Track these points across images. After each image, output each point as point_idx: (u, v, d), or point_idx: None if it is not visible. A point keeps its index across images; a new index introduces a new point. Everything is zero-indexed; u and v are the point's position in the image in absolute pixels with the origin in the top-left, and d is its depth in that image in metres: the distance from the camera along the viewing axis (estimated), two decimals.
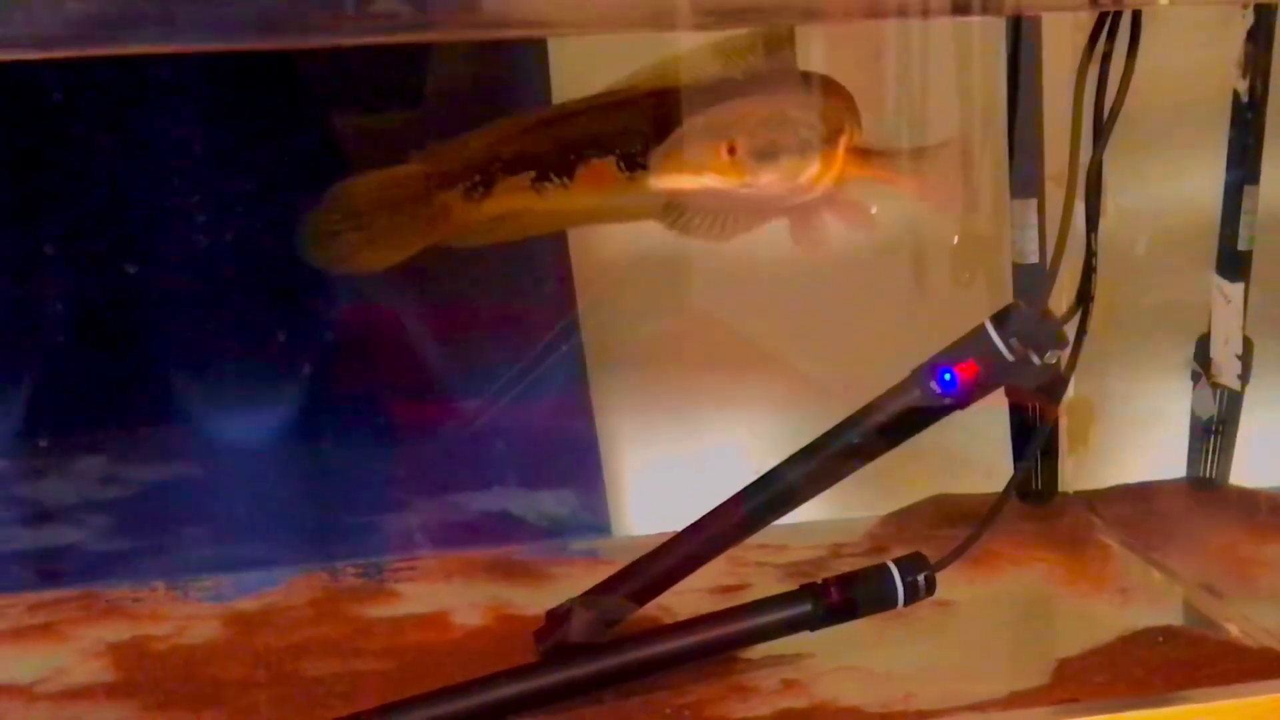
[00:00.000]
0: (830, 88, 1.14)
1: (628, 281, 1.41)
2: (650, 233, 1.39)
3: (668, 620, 1.12)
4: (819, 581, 1.05)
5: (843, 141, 1.11)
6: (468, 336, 1.44)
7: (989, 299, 1.42)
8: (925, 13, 1.22)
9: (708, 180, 1.06)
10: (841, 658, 1.08)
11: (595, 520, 1.43)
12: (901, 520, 1.32)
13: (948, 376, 1.04)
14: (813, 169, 1.10)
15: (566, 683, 1.02)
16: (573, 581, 1.22)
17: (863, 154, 1.13)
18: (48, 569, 1.32)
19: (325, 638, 1.15)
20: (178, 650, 1.13)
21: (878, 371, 1.35)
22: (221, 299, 1.41)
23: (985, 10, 1.26)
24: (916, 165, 1.19)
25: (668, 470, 1.45)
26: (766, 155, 1.07)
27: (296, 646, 1.13)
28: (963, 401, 1.05)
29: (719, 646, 1.04)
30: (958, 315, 1.37)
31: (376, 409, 1.44)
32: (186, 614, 1.19)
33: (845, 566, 1.19)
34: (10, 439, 1.37)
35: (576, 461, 1.43)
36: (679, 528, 1.26)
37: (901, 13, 1.24)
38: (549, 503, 1.43)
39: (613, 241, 1.42)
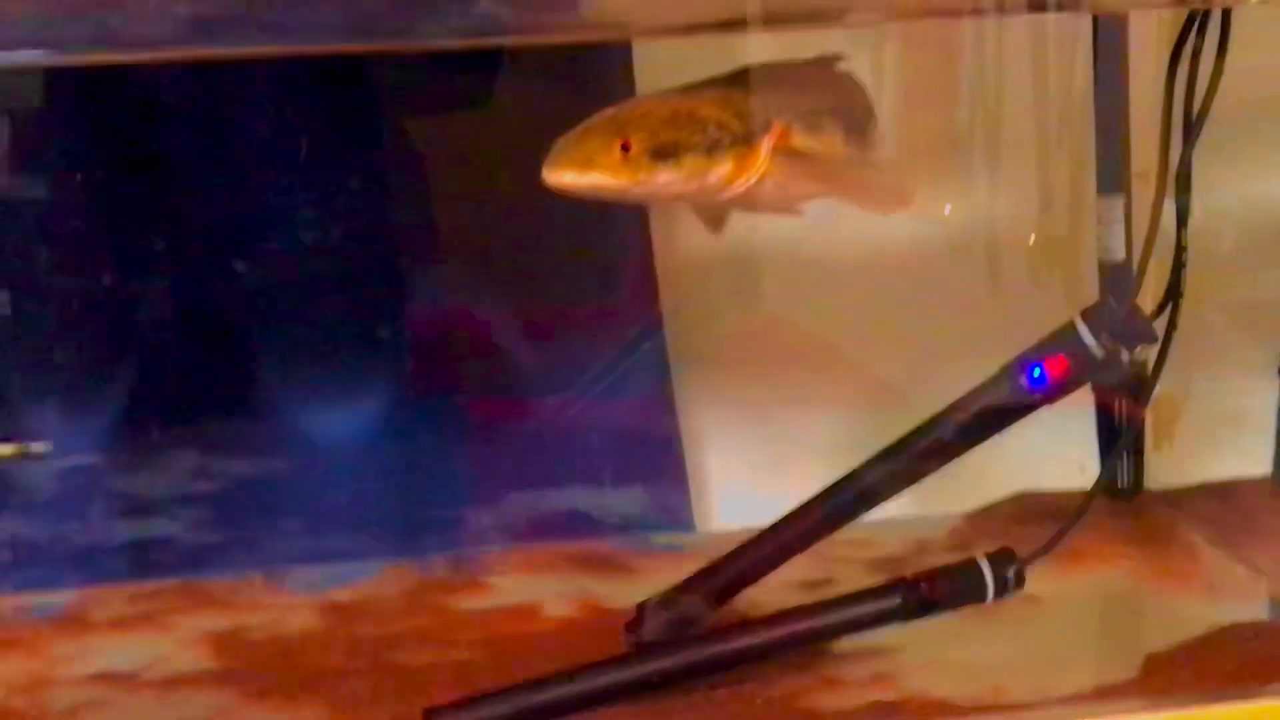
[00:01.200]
0: (773, 80, 1.09)
1: (711, 278, 1.43)
2: (733, 229, 1.41)
3: (754, 614, 1.14)
4: (909, 575, 1.06)
5: (767, 141, 1.06)
6: (554, 334, 1.45)
7: (1074, 296, 1.43)
8: (1001, 10, 1.23)
9: (596, 179, 1.01)
10: (929, 651, 1.09)
11: (678, 517, 1.44)
12: (985, 517, 1.33)
13: (1037, 372, 1.05)
14: (722, 169, 1.04)
15: (658, 674, 1.04)
16: (659, 575, 1.23)
17: (794, 155, 1.07)
18: (144, 560, 1.35)
19: (419, 628, 1.17)
20: (275, 640, 1.15)
21: (956, 370, 1.36)
22: (316, 296, 1.44)
23: (1063, 8, 1.27)
24: (863, 168, 1.14)
25: (749, 467, 1.46)
26: (665, 155, 1.02)
27: (391, 636, 1.15)
28: (1051, 397, 1.06)
29: (809, 639, 1.05)
30: (1036, 314, 1.39)
31: (463, 406, 1.46)
32: (283, 604, 1.21)
33: (929, 562, 1.20)
34: (106, 433, 1.40)
35: (660, 458, 1.44)
36: (760, 524, 1.29)
37: (977, 11, 1.26)
38: (631, 499, 1.44)
39: (696, 238, 1.43)
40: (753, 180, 1.05)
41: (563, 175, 1.01)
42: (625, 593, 1.21)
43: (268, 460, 1.46)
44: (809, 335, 1.44)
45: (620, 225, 1.43)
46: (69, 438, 1.41)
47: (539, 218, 1.36)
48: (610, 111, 1.04)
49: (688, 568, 1.17)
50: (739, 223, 1.39)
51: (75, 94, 1.36)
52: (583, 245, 1.44)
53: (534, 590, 1.23)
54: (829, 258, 1.44)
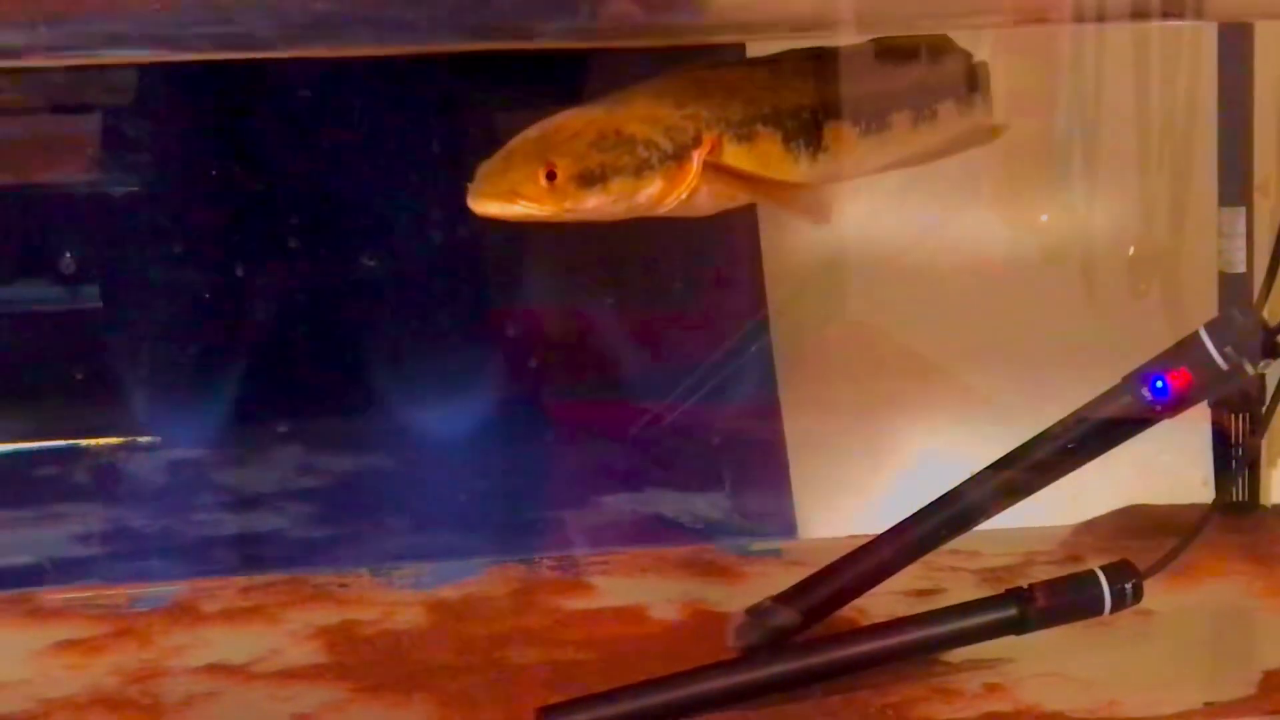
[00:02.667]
0: (704, 89, 1.05)
1: (818, 282, 1.42)
2: (842, 231, 1.41)
3: (863, 622, 1.13)
4: (1025, 586, 1.05)
5: (697, 156, 1.02)
6: (660, 336, 1.46)
7: (1175, 309, 1.42)
8: (1117, 17, 1.22)
9: (522, 209, 0.98)
10: (1042, 663, 1.08)
11: (780, 522, 1.44)
12: (1095, 529, 1.31)
13: (1160, 384, 1.04)
14: (652, 189, 1.00)
15: (770, 679, 1.03)
16: (765, 581, 1.23)
17: (725, 168, 1.03)
18: (251, 553, 1.36)
19: (526, 627, 1.17)
20: (385, 635, 1.16)
21: (1056, 382, 1.35)
22: (425, 295, 1.45)
23: (1183, 16, 1.26)
24: (788, 186, 1.08)
25: (851, 474, 1.45)
26: (592, 180, 0.98)
27: (500, 635, 1.15)
28: (1173, 410, 1.05)
29: (923, 648, 1.05)
30: (1137, 326, 1.38)
31: (569, 407, 1.47)
32: (391, 600, 1.21)
33: (1039, 573, 1.19)
34: (213, 427, 1.42)
35: (764, 463, 1.44)
36: (861, 532, 1.28)
37: (1079, 18, 1.24)
38: (734, 504, 1.44)
39: (805, 239, 1.43)
40: (683, 196, 1.02)
41: (487, 205, 0.98)
42: (732, 597, 1.21)
43: (371, 458, 1.47)
44: (914, 340, 1.43)
45: (729, 226, 1.43)
46: (176, 431, 1.43)
47: (647, 219, 1.36)
48: (535, 132, 1.00)
49: (794, 573, 1.16)
50: (846, 226, 1.39)
51: (189, 88, 1.38)
52: (691, 247, 1.44)
53: (639, 593, 1.23)
54: (933, 264, 1.43)
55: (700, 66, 1.07)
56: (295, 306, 1.43)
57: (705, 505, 1.45)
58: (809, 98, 1.08)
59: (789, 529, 1.44)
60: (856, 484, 1.43)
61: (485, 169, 0.99)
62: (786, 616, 1.10)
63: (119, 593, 1.23)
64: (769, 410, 1.43)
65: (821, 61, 1.11)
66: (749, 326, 1.44)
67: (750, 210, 1.39)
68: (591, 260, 1.44)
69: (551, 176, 0.97)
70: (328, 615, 1.19)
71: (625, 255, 1.44)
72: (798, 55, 1.10)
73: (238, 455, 1.46)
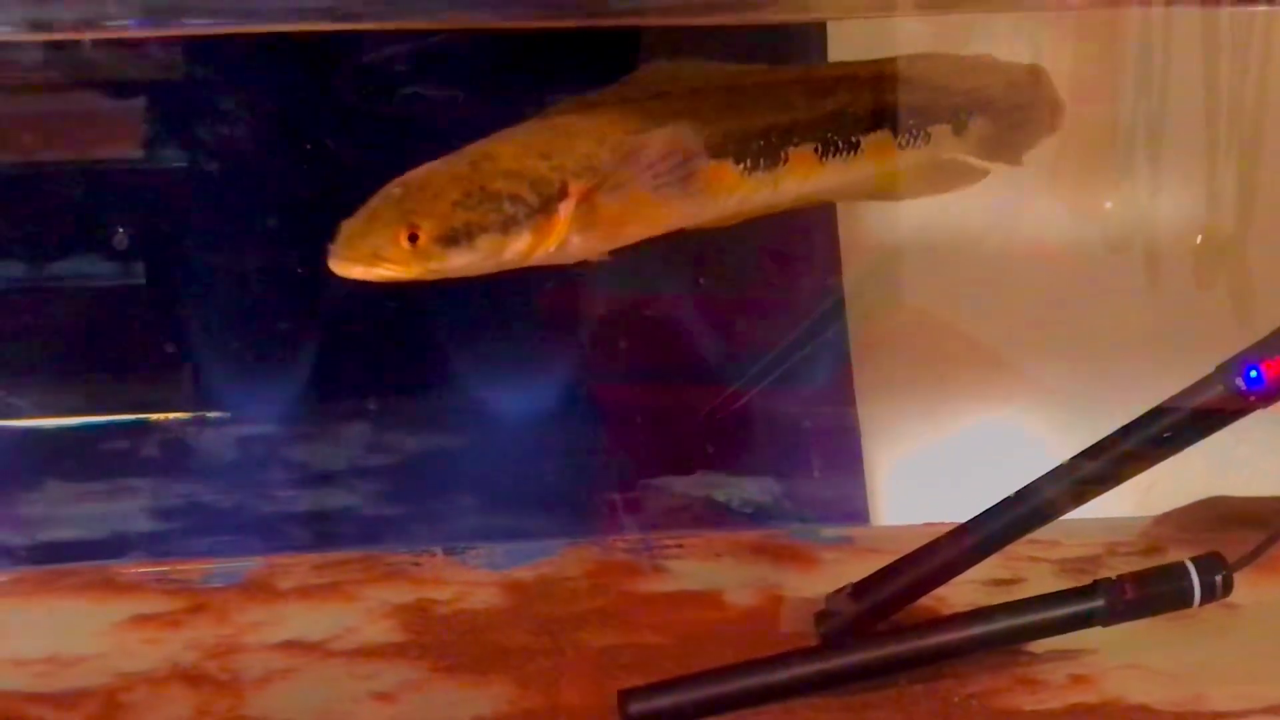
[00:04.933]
0: (571, 135, 1.02)
1: (894, 267, 1.41)
2: (919, 215, 1.39)
3: (942, 610, 1.12)
4: (1113, 578, 1.04)
5: (565, 207, 1.00)
6: (734, 318, 1.44)
7: (1245, 298, 1.39)
8: (1170, 1, 1.20)
9: (385, 272, 0.96)
10: (1126, 655, 1.07)
11: (852, 509, 1.43)
12: (1177, 521, 1.29)
13: (1254, 374, 1.02)
14: (519, 244, 0.99)
15: (852, 667, 1.02)
16: (840, 567, 1.22)
17: (595, 215, 1.01)
18: (325, 530, 1.36)
19: (603, 609, 1.16)
20: (461, 615, 1.15)
21: (1129, 372, 1.33)
22: (496, 277, 1.44)
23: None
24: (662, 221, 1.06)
25: (926, 460, 1.44)
26: (456, 240, 0.97)
27: (576, 617, 1.15)
28: (1267, 399, 1.03)
29: (1008, 638, 1.03)
30: (1206, 316, 1.36)
31: (638, 389, 1.46)
32: (465, 579, 1.21)
33: (1120, 565, 1.18)
34: (282, 403, 1.41)
35: (837, 448, 1.43)
36: (936, 519, 1.27)
37: (1146, 1, 1.22)
38: (806, 488, 1.43)
39: (882, 224, 1.41)
40: (552, 249, 1.01)
41: (350, 268, 0.96)
42: (808, 583, 1.20)
43: (440, 436, 1.46)
44: (988, 326, 1.42)
45: (805, 210, 1.42)
46: (246, 406, 1.42)
47: None
48: (397, 190, 0.98)
49: (868, 560, 1.16)
50: (922, 211, 1.37)
51: (267, 64, 1.37)
52: (766, 229, 1.42)
53: (714, 577, 1.22)
54: (1000, 250, 1.42)
55: (573, 106, 1.05)
56: (363, 285, 1.43)
57: (756, 489, 1.44)
58: (683, 137, 1.04)
59: (860, 515, 1.42)
60: (930, 471, 1.42)
61: (347, 229, 0.97)
62: (867, 604, 1.09)
63: (193, 568, 1.23)
64: (842, 395, 1.42)
65: (705, 95, 1.07)
66: (823, 310, 1.42)
67: None
68: (663, 241, 1.43)
69: (414, 239, 0.95)
70: (402, 593, 1.18)
71: (699, 237, 1.43)
72: (683, 90, 1.07)
73: (306, 432, 1.45)
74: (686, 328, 1.44)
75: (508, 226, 0.98)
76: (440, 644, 1.10)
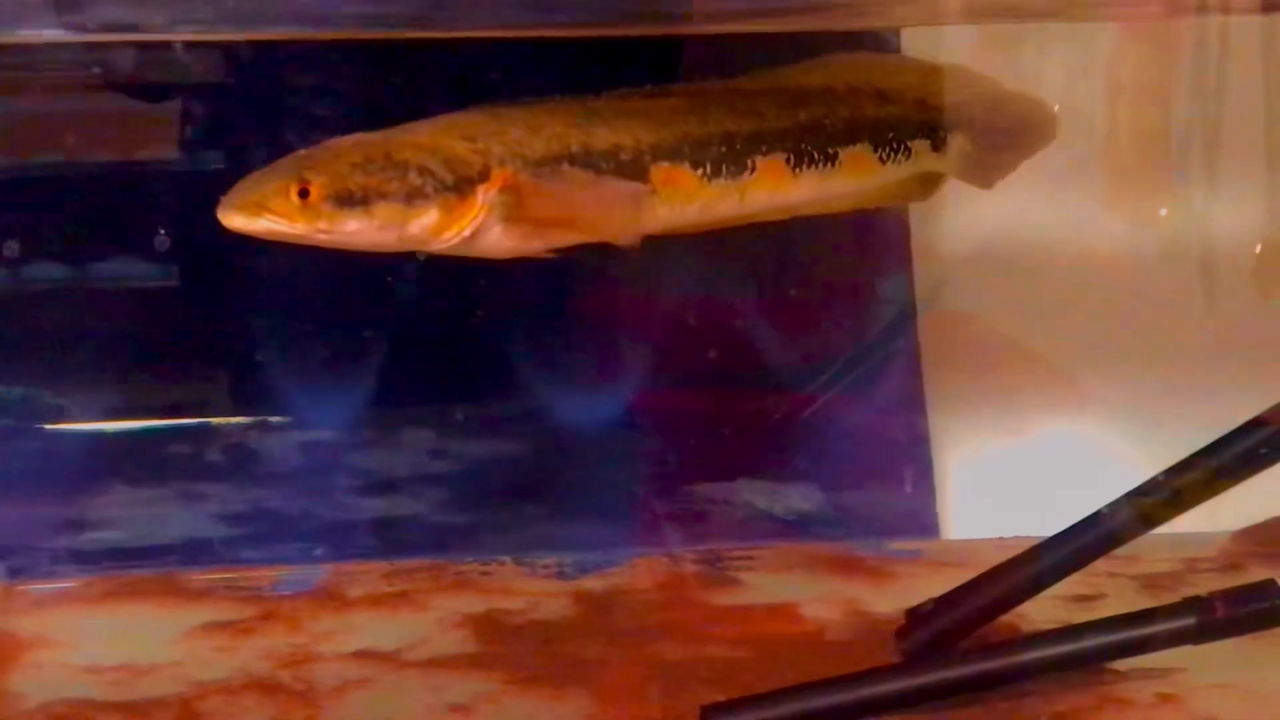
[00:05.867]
0: (502, 123, 0.99)
1: (968, 274, 1.39)
2: (992, 221, 1.37)
3: (1022, 626, 1.10)
4: (1203, 595, 1.02)
5: (483, 191, 0.96)
6: (804, 325, 1.43)
7: None
8: (1226, 9, 1.18)
9: (268, 224, 0.93)
10: (1214, 673, 1.05)
11: (922, 521, 1.41)
12: (1256, 536, 1.27)
13: None
14: (426, 220, 0.95)
15: (937, 685, 1.00)
16: (915, 582, 1.21)
17: (518, 205, 0.98)
18: (391, 538, 1.35)
19: (676, 621, 1.15)
20: (533, 625, 1.14)
21: (1193, 385, 1.31)
22: (558, 282, 1.43)
23: None
24: (596, 208, 1.01)
25: (996, 472, 1.42)
26: (351, 201, 0.93)
27: (649, 629, 1.13)
28: None
29: (1097, 656, 1.02)
30: (1267, 328, 1.34)
31: (707, 397, 1.44)
32: (536, 589, 1.20)
33: (1201, 581, 1.16)
34: (344, 408, 1.40)
35: (907, 459, 1.41)
36: (1005, 532, 1.25)
37: (1203, 9, 1.20)
38: (876, 500, 1.41)
39: (955, 229, 1.39)
40: (467, 232, 0.97)
41: (232, 217, 0.93)
42: (882, 597, 1.18)
43: (504, 444, 1.45)
44: (1061, 336, 1.40)
45: (876, 214, 1.40)
46: (306, 411, 1.41)
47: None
48: (305, 151, 0.96)
49: (942, 575, 1.14)
50: (995, 216, 1.36)
51: (333, 68, 1.36)
52: (836, 234, 1.41)
53: (788, 590, 1.20)
54: (1077, 258, 1.40)
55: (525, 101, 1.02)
56: (424, 291, 1.41)
57: (821, 500, 1.42)
58: (631, 136, 1.01)
59: (929, 528, 1.40)
60: (1001, 483, 1.40)
61: (242, 181, 0.95)
62: (949, 620, 1.07)
63: (261, 574, 1.22)
64: (913, 405, 1.40)
65: (664, 97, 1.05)
66: (894, 318, 1.41)
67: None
68: (734, 247, 1.41)
69: (305, 194, 0.93)
70: (473, 603, 1.17)
71: (768, 241, 1.41)
72: (645, 91, 1.04)
73: (367, 438, 1.44)
74: (751, 332, 1.42)
75: (412, 198, 0.95)
76: (514, 655, 1.09)
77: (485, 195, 0.96)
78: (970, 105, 1.13)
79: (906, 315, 1.41)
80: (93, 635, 1.11)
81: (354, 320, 1.41)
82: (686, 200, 1.03)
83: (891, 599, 1.17)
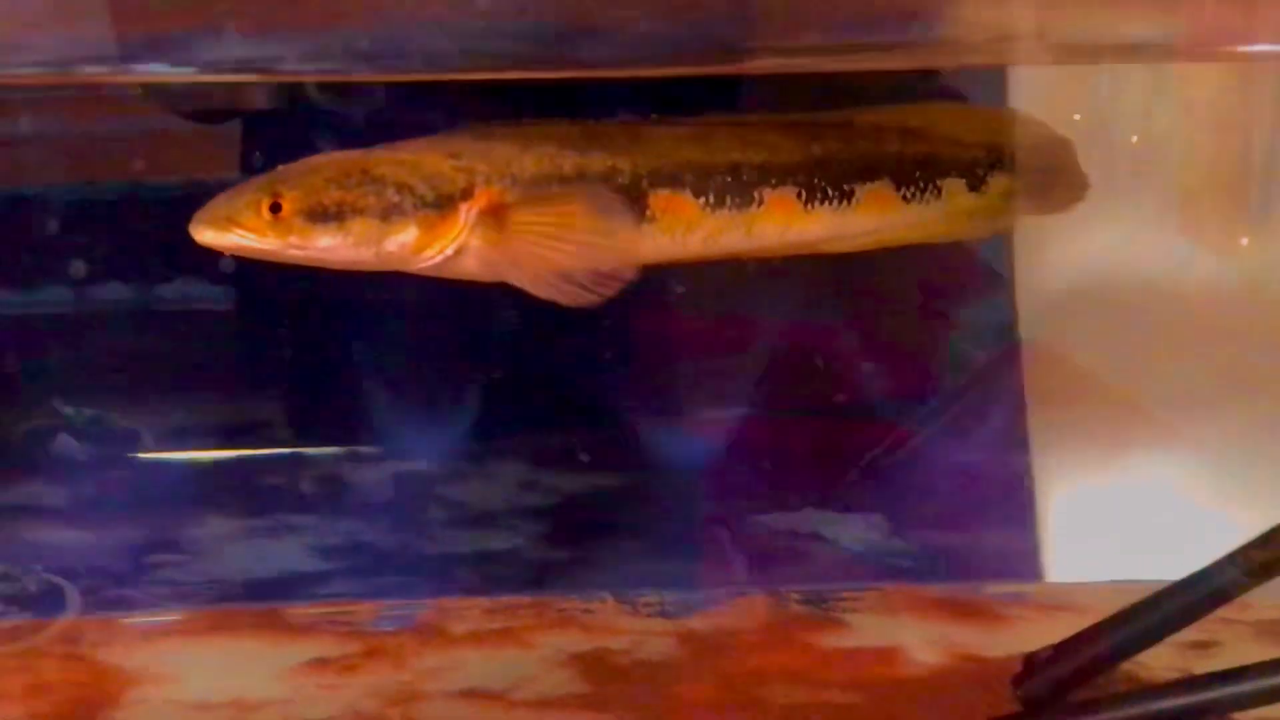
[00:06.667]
0: (492, 141, 0.96)
1: (1072, 307, 1.36)
2: (1098, 254, 1.35)
3: (1140, 675, 1.08)
4: None
5: (466, 209, 0.93)
6: (903, 356, 1.41)
7: None
8: None
9: (238, 239, 0.90)
10: None
11: (1023, 564, 1.38)
12: None
13: None
14: (404, 237, 0.92)
15: None
16: (1026, 626, 1.19)
17: (503, 227, 0.94)
18: (490, 573, 1.34)
19: (785, 665, 1.13)
20: (640, 666, 1.12)
21: None
22: (654, 312, 1.41)
23: None
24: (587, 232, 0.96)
25: (1100, 513, 1.39)
26: (324, 217, 0.91)
27: (758, 672, 1.12)
28: None
29: (1226, 706, 0.99)
30: None
31: (800, 430, 1.43)
32: (640, 629, 1.18)
33: None
34: (436, 439, 1.39)
35: (1008, 499, 1.38)
36: (1107, 576, 1.23)
37: None
38: (978, 540, 1.39)
39: (1061, 262, 1.37)
40: (449, 251, 0.93)
41: (203, 232, 0.91)
42: (994, 642, 1.16)
43: (597, 477, 1.44)
44: (1176, 369, 1.37)
45: (978, 243, 1.38)
46: (396, 441, 1.41)
47: None
48: (284, 166, 0.94)
49: (1053, 619, 1.12)
50: (1100, 249, 1.33)
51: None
52: (937, 263, 1.39)
53: (896, 633, 1.18)
54: (1182, 293, 1.37)
55: (497, 123, 0.99)
56: (512, 323, 1.40)
57: (899, 537, 1.40)
58: (629, 161, 0.97)
59: (1030, 571, 1.38)
60: (1106, 525, 1.37)
61: (216, 196, 0.92)
62: (1070, 667, 1.05)
63: (362, 609, 1.20)
64: (1016, 442, 1.38)
65: (668, 125, 1.01)
66: (997, 351, 1.38)
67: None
68: (829, 276, 1.39)
69: (276, 209, 0.91)
70: (577, 641, 1.16)
71: (869, 269, 1.40)
72: (647, 119, 1.01)
73: (459, 469, 1.43)
74: (849, 364, 1.40)
75: (389, 214, 0.92)
76: (624, 696, 1.07)
77: (468, 214, 0.94)
78: (1014, 146, 1.09)
79: (1010, 348, 1.39)
80: (200, 670, 1.09)
81: (444, 350, 1.40)
82: (688, 230, 0.99)
83: (1003, 644, 1.14)
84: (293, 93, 1.32)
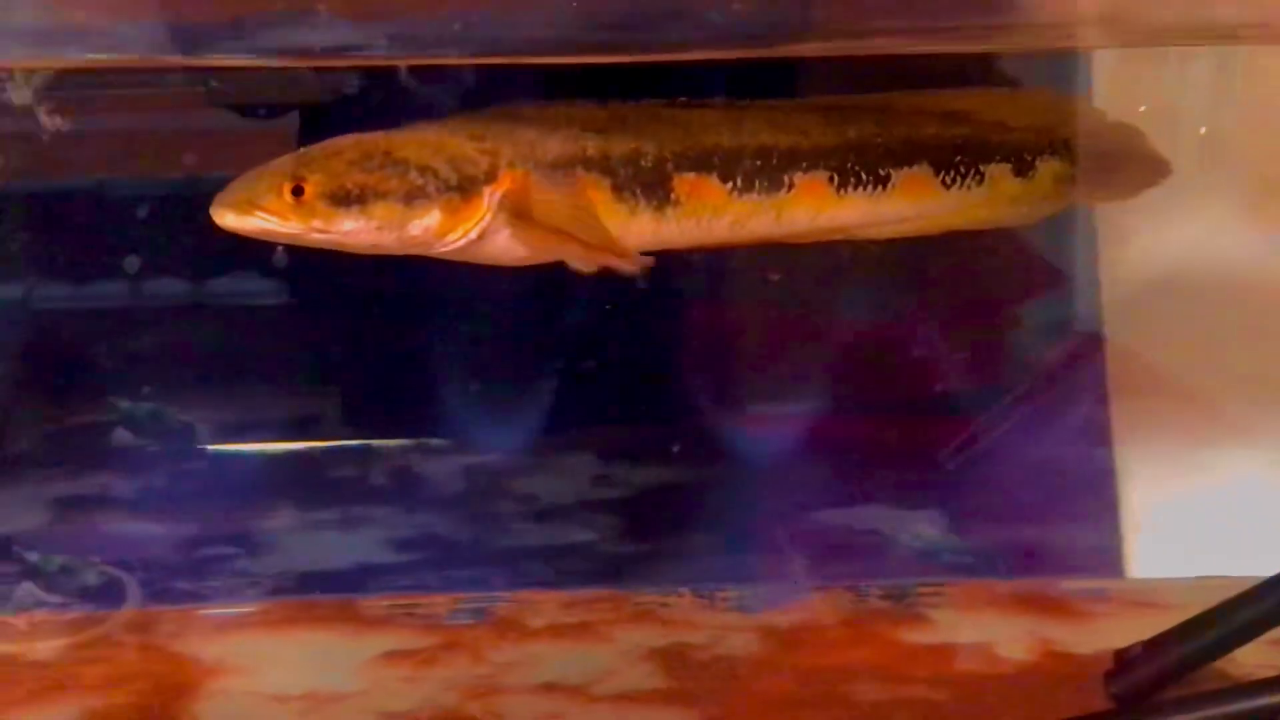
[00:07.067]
0: (515, 123, 0.95)
1: (1160, 299, 1.33)
2: (1187, 243, 1.32)
3: (1233, 671, 1.05)
4: None
5: (490, 192, 0.92)
6: (981, 348, 1.39)
7: None
8: None
9: (260, 223, 0.89)
10: None
11: (1104, 559, 1.36)
12: None
13: None
14: (428, 221, 0.91)
15: None
16: (1111, 622, 1.17)
17: (526, 210, 0.93)
18: (564, 566, 1.32)
19: (867, 661, 1.11)
20: (720, 661, 1.10)
21: None
22: (725, 304, 1.40)
23: None
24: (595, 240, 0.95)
25: (1183, 509, 1.37)
26: (348, 200, 0.90)
27: (841, 668, 1.10)
28: None
29: None
30: None
31: (876, 424, 1.40)
32: (718, 623, 1.16)
33: None
34: (505, 432, 1.38)
35: (1090, 494, 1.36)
36: (1190, 573, 1.20)
37: None
38: (1060, 535, 1.37)
39: (1148, 250, 1.34)
40: (473, 235, 0.92)
41: (224, 215, 0.90)
42: (1081, 638, 1.14)
43: (668, 470, 1.42)
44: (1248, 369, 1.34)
45: (1061, 232, 1.36)
46: (468, 435, 1.39)
47: None
48: (306, 148, 0.93)
49: (1139, 615, 1.11)
50: (1189, 238, 1.30)
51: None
52: (1015, 254, 1.36)
53: (981, 628, 1.16)
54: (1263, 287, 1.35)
55: (521, 106, 0.98)
56: (581, 315, 1.39)
57: (1020, 531, 1.37)
58: (655, 143, 0.96)
59: (1113, 567, 1.35)
60: (1191, 519, 1.34)
61: (238, 178, 0.91)
62: (1163, 663, 1.03)
63: (437, 601, 1.19)
64: (1099, 436, 1.35)
65: (696, 109, 1.00)
66: (1079, 342, 1.36)
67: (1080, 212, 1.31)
68: (908, 269, 1.37)
69: (299, 192, 0.89)
70: (655, 636, 1.14)
71: (945, 259, 1.37)
72: (676, 102, 0.99)
73: (529, 462, 1.41)
74: (925, 356, 1.38)
75: (412, 198, 0.91)
76: (705, 692, 1.06)
77: (491, 197, 0.92)
78: (1065, 130, 1.07)
79: (1088, 342, 1.37)
80: (277, 662, 1.09)
81: (513, 342, 1.39)
82: (714, 214, 0.98)
83: (1090, 640, 1.12)
84: (346, 86, 1.32)
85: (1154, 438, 1.35)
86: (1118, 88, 1.26)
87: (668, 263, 1.35)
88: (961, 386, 1.39)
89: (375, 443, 1.42)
